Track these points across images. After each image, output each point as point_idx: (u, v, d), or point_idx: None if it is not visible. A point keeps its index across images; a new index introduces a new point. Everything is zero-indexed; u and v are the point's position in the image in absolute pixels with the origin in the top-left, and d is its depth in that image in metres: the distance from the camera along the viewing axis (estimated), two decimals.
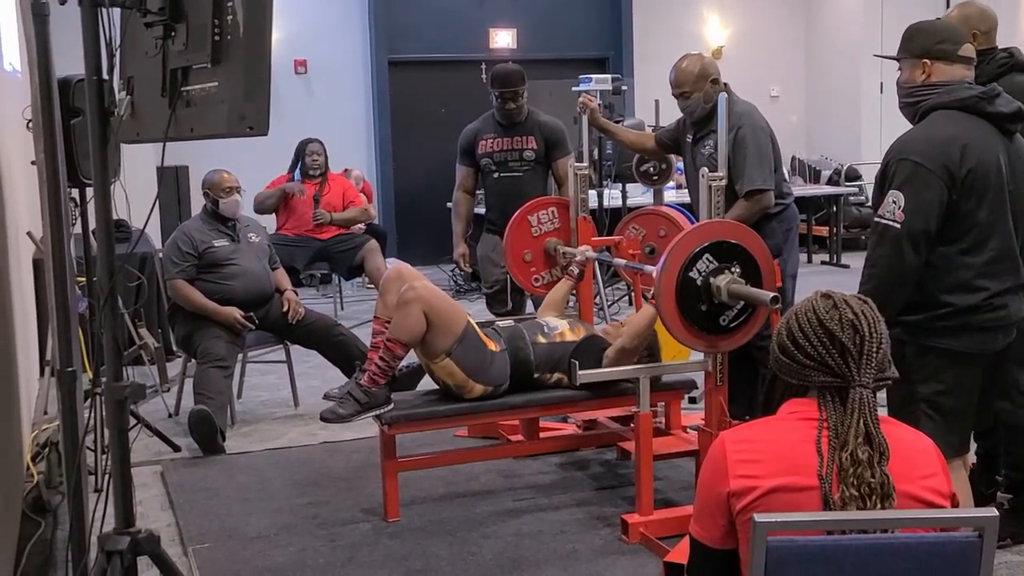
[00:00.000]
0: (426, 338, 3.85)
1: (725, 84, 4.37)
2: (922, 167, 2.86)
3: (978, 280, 2.92)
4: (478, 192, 5.58)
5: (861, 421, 1.81)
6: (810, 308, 1.91)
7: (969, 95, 2.95)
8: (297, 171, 7.93)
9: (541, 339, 4.11)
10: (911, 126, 3.06)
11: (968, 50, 3.03)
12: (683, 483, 4.23)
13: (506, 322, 4.37)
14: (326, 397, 4.12)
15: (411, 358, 4.04)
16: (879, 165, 3.03)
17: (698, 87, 4.32)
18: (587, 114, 4.85)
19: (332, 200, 7.84)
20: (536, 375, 4.08)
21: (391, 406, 3.92)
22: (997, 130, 2.96)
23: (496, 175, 5.28)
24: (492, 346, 4.02)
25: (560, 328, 4.19)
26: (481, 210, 5.68)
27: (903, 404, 2.90)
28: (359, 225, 8.06)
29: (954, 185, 2.86)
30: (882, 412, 1.88)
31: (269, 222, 7.98)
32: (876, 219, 2.95)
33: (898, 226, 2.87)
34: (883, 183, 2.96)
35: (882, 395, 2.02)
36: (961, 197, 2.88)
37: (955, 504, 1.88)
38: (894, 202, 2.88)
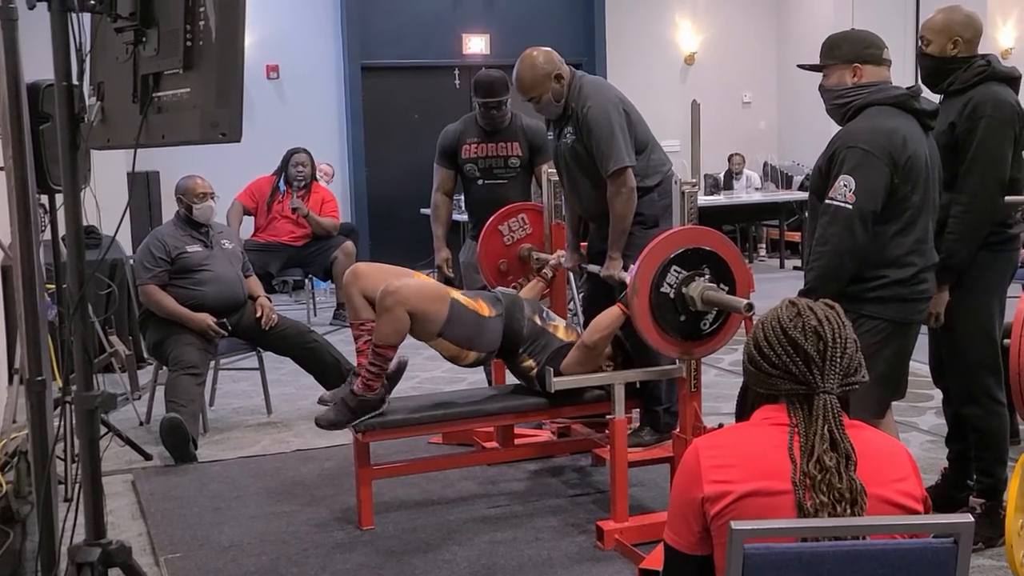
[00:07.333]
0: (414, 328, 3.83)
1: (574, 68, 4.25)
2: (871, 154, 3.13)
3: (908, 257, 3.22)
4: (456, 197, 5.49)
5: (826, 427, 1.82)
6: (775, 317, 1.93)
7: (901, 93, 3.26)
8: (281, 180, 7.98)
9: (537, 320, 4.12)
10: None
11: (888, 54, 3.34)
12: (658, 489, 4.23)
13: (510, 290, 4.38)
14: (320, 402, 4.12)
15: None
16: (824, 156, 3.27)
17: (544, 88, 4.18)
18: None
19: (310, 208, 7.92)
20: (521, 350, 4.06)
21: (384, 407, 3.90)
22: (919, 125, 3.26)
23: (480, 182, 5.12)
24: (485, 311, 3.99)
25: (557, 322, 4.21)
26: (460, 216, 5.60)
27: None
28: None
29: (896, 171, 3.15)
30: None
31: (248, 223, 8.02)
32: (828, 201, 3.18)
33: (849, 207, 3.13)
34: (829, 169, 3.22)
35: None
36: (901, 182, 3.16)
37: (927, 507, 1.88)
38: (845, 185, 3.14)
